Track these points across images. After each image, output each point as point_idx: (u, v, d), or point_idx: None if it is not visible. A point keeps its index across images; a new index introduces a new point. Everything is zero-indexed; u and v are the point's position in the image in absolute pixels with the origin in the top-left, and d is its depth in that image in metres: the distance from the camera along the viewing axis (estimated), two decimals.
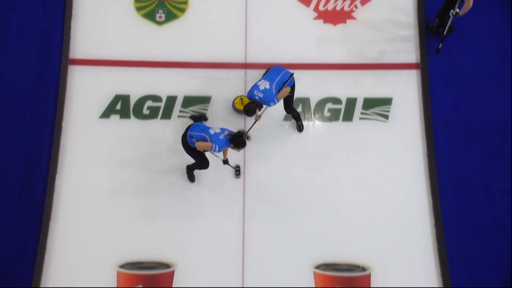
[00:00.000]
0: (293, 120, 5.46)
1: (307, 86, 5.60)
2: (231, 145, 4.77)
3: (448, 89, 5.60)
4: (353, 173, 5.33)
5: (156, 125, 5.48)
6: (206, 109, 5.54)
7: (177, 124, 5.47)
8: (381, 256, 5.06)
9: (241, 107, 5.46)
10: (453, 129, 5.46)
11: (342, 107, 5.59)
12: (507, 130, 5.43)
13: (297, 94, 5.37)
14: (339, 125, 5.53)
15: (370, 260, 5.06)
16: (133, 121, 5.49)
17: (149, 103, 5.55)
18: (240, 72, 5.70)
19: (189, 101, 5.58)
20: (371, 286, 5.01)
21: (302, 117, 5.52)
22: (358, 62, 5.72)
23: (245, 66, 5.74)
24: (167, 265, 5.06)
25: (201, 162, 5.07)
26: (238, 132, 4.77)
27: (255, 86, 4.98)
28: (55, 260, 4.99)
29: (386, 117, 5.54)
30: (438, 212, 5.15)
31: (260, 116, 5.23)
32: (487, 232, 5.10)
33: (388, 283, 4.96)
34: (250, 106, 4.93)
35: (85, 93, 5.55)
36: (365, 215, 5.19)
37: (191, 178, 5.27)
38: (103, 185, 5.23)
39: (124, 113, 5.51)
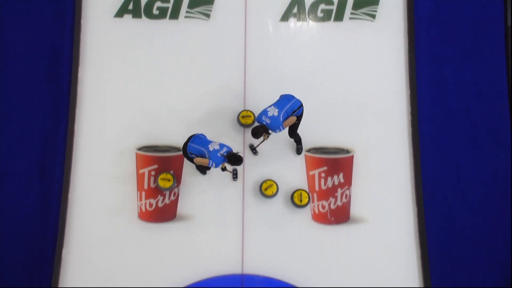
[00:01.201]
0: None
1: None
2: (227, 162, 5.12)
3: None
4: (341, 68, 5.93)
5: (165, 24, 6.00)
6: (210, 10, 6.02)
7: (184, 24, 5.97)
8: (363, 140, 5.78)
9: (243, 121, 5.75)
10: (433, 26, 5.98)
11: (334, 7, 6.07)
12: (483, 26, 5.94)
13: None
14: (331, 25, 6.05)
15: (353, 144, 5.79)
16: (144, 21, 6.01)
17: (158, 3, 6.04)
18: None
19: (194, 2, 6.02)
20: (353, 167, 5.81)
21: (297, 18, 6.01)
22: None
23: None
24: (178, 149, 5.76)
25: (201, 168, 5.52)
26: (235, 154, 5.09)
27: (264, 112, 5.19)
28: (83, 138, 5.73)
29: (373, 16, 6.05)
30: (414, 100, 5.83)
31: (268, 136, 5.35)
32: (456, 115, 5.81)
33: (368, 162, 5.72)
34: (258, 130, 5.14)
35: None
36: (350, 104, 5.85)
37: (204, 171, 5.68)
38: (121, 76, 5.86)
39: (136, 13, 6.02)
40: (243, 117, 5.75)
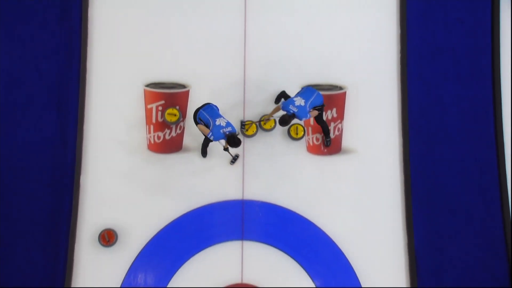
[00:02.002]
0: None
1: None
2: (226, 141, 5.42)
3: None
4: (334, 9, 6.22)
5: None
6: None
7: None
8: (355, 77, 6.16)
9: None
10: None
11: None
12: None
13: None
14: None
15: (346, 81, 6.16)
16: None
17: None
18: None
19: None
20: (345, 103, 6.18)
21: None
22: None
23: None
24: (183, 86, 6.17)
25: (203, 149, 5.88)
26: (236, 137, 5.33)
27: (291, 101, 5.56)
28: (95, 74, 6.10)
29: None
30: (404, 39, 6.15)
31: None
32: (442, 52, 6.14)
33: (359, 98, 6.11)
34: (286, 119, 5.49)
35: None
36: (343, 44, 6.18)
37: (204, 154, 5.94)
38: (130, 15, 6.16)
39: None
40: (247, 130, 6.01)
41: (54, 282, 5.68)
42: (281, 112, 5.61)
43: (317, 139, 6.12)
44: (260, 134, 6.07)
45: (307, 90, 5.69)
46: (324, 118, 5.98)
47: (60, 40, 6.13)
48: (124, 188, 5.94)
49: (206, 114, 5.51)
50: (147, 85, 6.13)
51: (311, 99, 5.60)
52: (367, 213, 5.94)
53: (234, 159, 5.94)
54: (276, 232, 5.94)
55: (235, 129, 5.45)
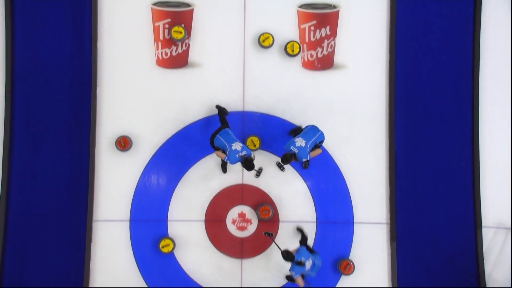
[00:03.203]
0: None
1: None
2: (241, 164, 5.70)
3: None
4: None
5: None
6: None
7: None
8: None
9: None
10: None
11: None
12: None
13: None
14: None
15: (339, 0, 6.55)
16: None
17: None
18: None
19: None
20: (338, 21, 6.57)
21: None
22: None
23: None
24: (187, 5, 6.50)
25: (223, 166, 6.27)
26: (251, 162, 5.64)
27: (292, 142, 5.74)
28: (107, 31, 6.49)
29: None
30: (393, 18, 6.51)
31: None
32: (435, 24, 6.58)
33: (350, 17, 6.52)
34: (288, 157, 5.70)
35: None
36: None
37: (224, 170, 6.33)
38: None
39: None
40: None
41: (80, 179, 6.42)
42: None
43: (312, 56, 6.58)
44: (259, 50, 6.50)
45: (310, 130, 5.93)
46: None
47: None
48: (136, 99, 6.49)
49: (223, 139, 5.81)
50: (154, 4, 6.47)
51: (313, 140, 5.84)
52: (355, 122, 6.54)
53: (259, 172, 6.39)
54: (273, 139, 6.52)
55: (250, 152, 5.80)
